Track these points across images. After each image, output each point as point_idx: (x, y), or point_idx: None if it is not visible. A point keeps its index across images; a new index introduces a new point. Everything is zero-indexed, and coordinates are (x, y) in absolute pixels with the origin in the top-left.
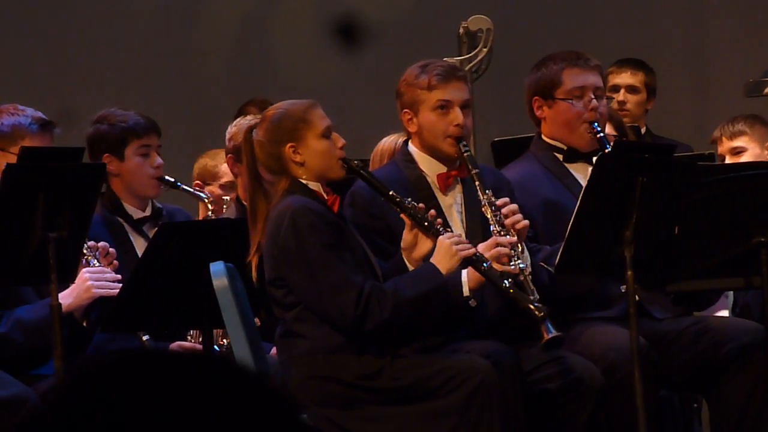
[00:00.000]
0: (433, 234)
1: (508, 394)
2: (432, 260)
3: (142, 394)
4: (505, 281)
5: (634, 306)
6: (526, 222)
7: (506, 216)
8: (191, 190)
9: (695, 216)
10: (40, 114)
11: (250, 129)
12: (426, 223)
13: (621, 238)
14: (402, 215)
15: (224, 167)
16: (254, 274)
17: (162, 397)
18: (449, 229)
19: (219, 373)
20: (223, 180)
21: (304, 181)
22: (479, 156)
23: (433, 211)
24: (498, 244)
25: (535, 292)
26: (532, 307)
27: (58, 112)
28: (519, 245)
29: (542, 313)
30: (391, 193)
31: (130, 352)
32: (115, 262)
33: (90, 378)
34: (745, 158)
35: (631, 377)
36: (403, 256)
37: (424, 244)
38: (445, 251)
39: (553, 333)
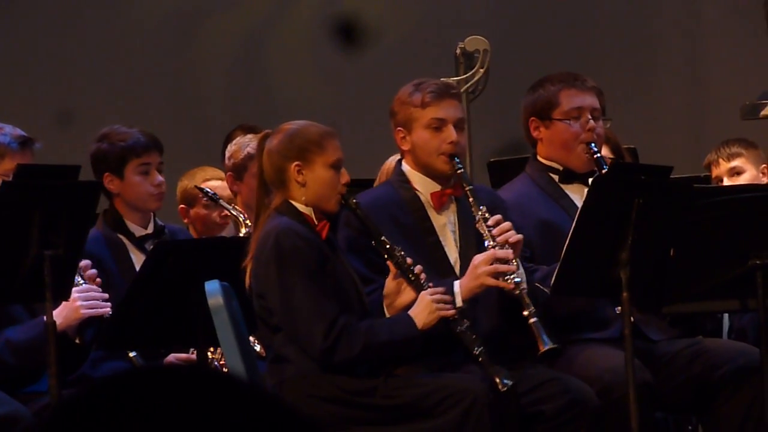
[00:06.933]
0: (417, 287)
1: (502, 414)
2: (411, 312)
3: (137, 413)
4: (477, 348)
5: (629, 327)
6: (520, 236)
7: (499, 234)
8: (228, 207)
9: (691, 238)
10: (19, 131)
11: (266, 135)
12: (411, 276)
13: (617, 259)
14: (388, 262)
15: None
16: (247, 280)
17: (157, 415)
18: (432, 285)
19: (212, 384)
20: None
21: (295, 204)
22: (475, 176)
23: (419, 267)
24: (495, 257)
25: (532, 305)
26: (497, 380)
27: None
28: (514, 260)
29: (505, 388)
30: (383, 238)
31: (123, 374)
32: (98, 279)
33: (85, 399)
34: (743, 179)
35: (626, 399)
36: (383, 303)
37: (407, 295)
38: (425, 306)
39: (549, 345)
